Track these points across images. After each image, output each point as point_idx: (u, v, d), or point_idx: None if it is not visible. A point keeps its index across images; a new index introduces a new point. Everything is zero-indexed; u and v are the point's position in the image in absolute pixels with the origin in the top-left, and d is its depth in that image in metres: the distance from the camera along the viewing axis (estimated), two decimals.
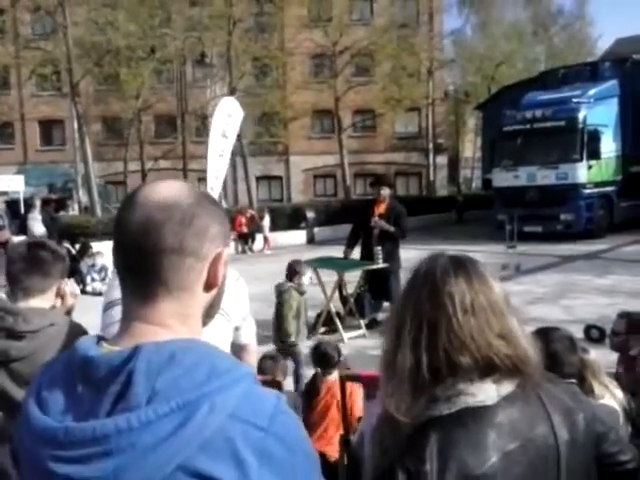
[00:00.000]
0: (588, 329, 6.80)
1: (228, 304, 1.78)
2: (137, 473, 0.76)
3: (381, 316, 8.08)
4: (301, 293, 5.89)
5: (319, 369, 4.23)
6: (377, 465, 1.15)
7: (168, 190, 0.92)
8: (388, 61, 27.03)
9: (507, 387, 1.12)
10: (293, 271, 5.97)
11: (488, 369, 1.12)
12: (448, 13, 53.78)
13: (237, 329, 1.95)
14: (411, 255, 9.76)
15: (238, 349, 2.05)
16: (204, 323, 0.98)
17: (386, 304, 8.02)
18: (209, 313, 0.99)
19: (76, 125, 22.08)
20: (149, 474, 0.76)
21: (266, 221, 19.08)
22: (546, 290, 9.69)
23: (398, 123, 31.86)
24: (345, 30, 25.56)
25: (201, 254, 0.92)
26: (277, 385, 2.37)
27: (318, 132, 32.49)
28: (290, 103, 27.23)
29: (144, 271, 0.90)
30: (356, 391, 3.45)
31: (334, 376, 4.02)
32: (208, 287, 0.94)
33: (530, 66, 34.56)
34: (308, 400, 4.15)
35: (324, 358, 4.18)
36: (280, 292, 5.93)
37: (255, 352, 2.15)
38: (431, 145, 32.01)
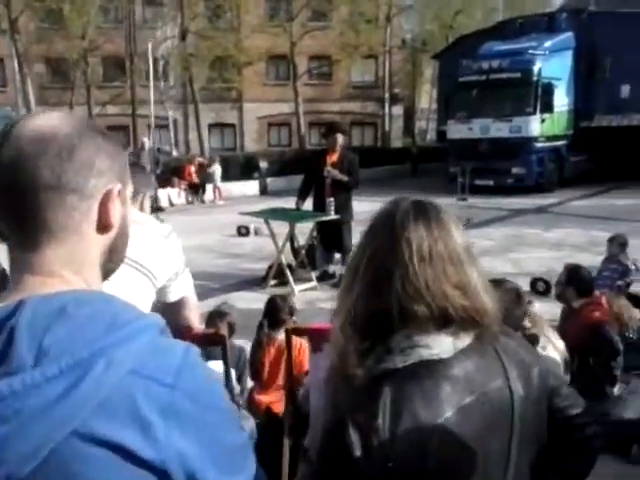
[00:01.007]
0: (534, 282, 6.92)
1: (153, 262, 1.66)
2: (26, 442, 0.68)
3: (333, 268, 8.05)
4: None
5: (266, 323, 4.13)
6: (328, 419, 1.11)
7: (45, 121, 0.82)
8: (346, 5, 26.47)
9: (464, 340, 1.08)
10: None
11: (444, 321, 1.07)
12: None
13: (165, 287, 1.83)
14: (364, 207, 9.65)
15: (174, 306, 1.92)
16: (107, 272, 0.89)
17: (338, 256, 7.98)
18: (111, 259, 0.89)
19: (17, 65, 20.95)
20: (39, 442, 0.68)
21: (217, 170, 18.70)
22: (494, 243, 9.80)
23: (355, 71, 31.42)
24: None
25: (86, 191, 0.82)
26: (220, 339, 2.25)
27: (273, 79, 31.79)
28: (244, 47, 26.37)
29: (22, 213, 0.80)
30: (305, 345, 3.38)
31: (282, 333, 3.96)
32: (102, 229, 0.85)
33: (488, 15, 34.31)
34: (255, 354, 4.07)
35: (276, 314, 4.08)
36: None
37: (196, 305, 2.03)
38: (387, 95, 31.77)
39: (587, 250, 8.67)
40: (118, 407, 0.71)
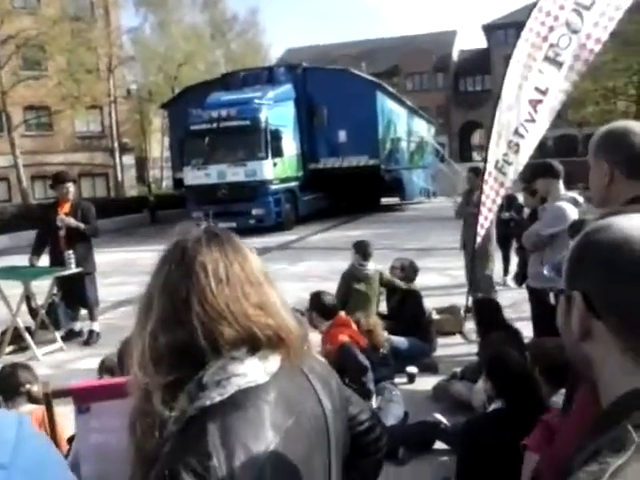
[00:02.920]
0: None
1: None
2: None
3: (79, 325, 7.36)
4: None
5: (2, 400, 3.50)
6: (156, 470, 0.96)
7: None
8: (62, 55, 25.13)
9: (274, 363, 1.07)
10: None
11: (252, 344, 1.05)
12: (125, 9, 52.65)
13: None
14: (106, 258, 9.15)
15: None
16: None
17: (84, 312, 7.32)
18: None
19: None
20: None
21: None
22: None
23: (78, 121, 30.02)
24: (7, 16, 22.97)
25: None
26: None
27: None
28: None
29: None
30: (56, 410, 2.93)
31: (25, 406, 3.40)
32: None
33: (211, 68, 35.70)
34: None
35: (11, 386, 3.47)
36: None
37: None
38: (116, 144, 30.86)
39: (330, 279, 9.22)
40: None
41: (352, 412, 1.30)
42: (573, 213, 4.51)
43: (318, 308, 4.86)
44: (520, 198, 8.73)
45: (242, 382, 1.02)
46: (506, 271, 8.98)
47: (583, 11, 5.52)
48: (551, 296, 3.87)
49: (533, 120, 5.83)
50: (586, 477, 0.73)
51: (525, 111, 5.79)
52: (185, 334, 1.02)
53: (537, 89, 5.73)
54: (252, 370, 1.04)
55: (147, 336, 1.04)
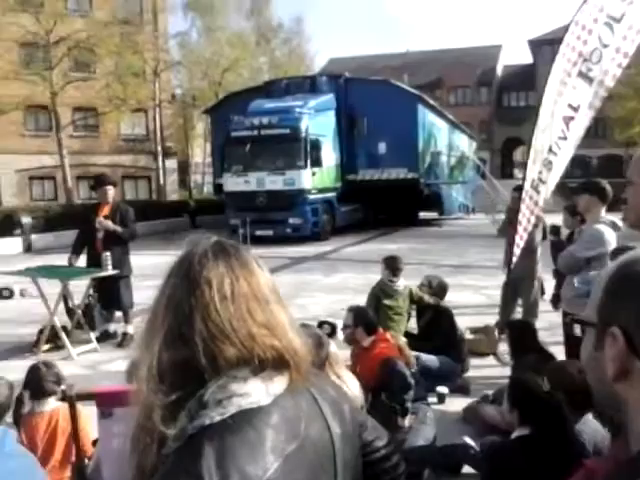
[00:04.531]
0: (320, 325, 7.10)
1: None
2: None
3: (114, 327, 7.47)
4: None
5: (28, 395, 3.58)
6: None
7: None
8: (110, 58, 25.70)
9: (279, 384, 1.04)
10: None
11: (256, 364, 1.02)
12: (173, 14, 53.56)
13: None
14: (145, 261, 9.26)
15: None
16: None
17: (118, 314, 7.42)
18: None
19: None
20: None
21: None
22: (281, 290, 9.87)
23: (124, 124, 30.60)
24: (60, 19, 23.59)
25: None
26: None
27: (33, 129, 29.53)
28: None
29: None
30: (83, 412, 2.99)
31: (52, 404, 3.48)
32: None
33: (255, 75, 36.01)
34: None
35: (40, 383, 3.55)
36: None
37: None
38: (160, 148, 31.34)
39: (364, 292, 9.17)
40: None
41: (367, 438, 1.26)
42: (611, 237, 4.38)
43: (365, 323, 4.81)
44: (558, 219, 8.56)
45: (243, 402, 0.99)
46: (542, 292, 8.80)
47: (614, 24, 5.37)
48: (575, 327, 3.76)
49: (565, 137, 5.68)
50: None
51: (559, 128, 5.63)
52: (187, 351, 0.99)
53: (570, 106, 5.58)
54: (255, 390, 1.00)
55: (151, 352, 1.02)
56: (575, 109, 5.61)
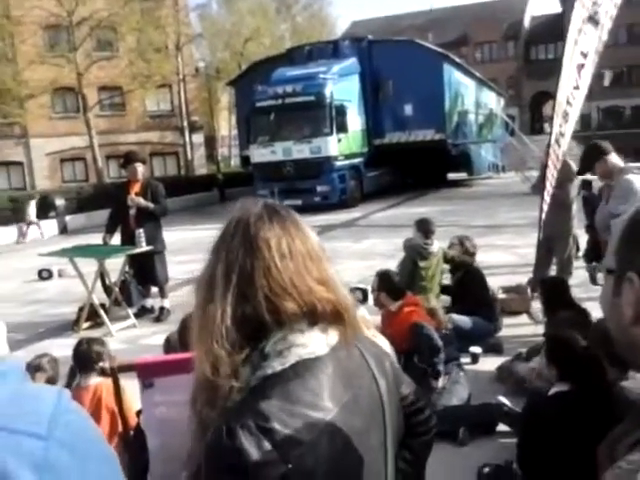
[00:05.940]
0: (352, 291, 7.14)
1: None
2: None
3: (150, 302, 7.63)
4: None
5: (78, 371, 3.70)
6: (212, 433, 0.99)
7: None
8: (132, 35, 25.75)
9: (333, 336, 1.10)
10: None
11: (313, 317, 1.07)
12: None
13: None
14: (176, 236, 9.32)
15: None
16: None
17: (155, 289, 7.58)
18: None
19: None
20: None
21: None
22: None
23: (149, 101, 30.75)
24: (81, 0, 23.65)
25: None
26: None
27: (61, 111, 29.89)
28: (24, 79, 24.44)
29: None
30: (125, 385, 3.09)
31: (96, 378, 3.58)
32: None
33: (277, 43, 35.67)
34: None
35: (86, 358, 3.67)
36: None
37: None
38: (186, 123, 31.44)
39: (394, 257, 9.16)
40: None
41: (403, 392, 1.31)
42: None
43: (388, 288, 4.84)
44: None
45: (303, 352, 1.05)
46: (577, 249, 8.67)
47: None
48: (599, 276, 3.72)
49: (578, 87, 5.47)
50: (627, 466, 0.72)
51: (573, 78, 5.42)
52: (250, 308, 1.04)
53: (582, 53, 5.36)
54: (313, 341, 1.06)
55: (213, 313, 1.05)
56: (585, 55, 5.41)
